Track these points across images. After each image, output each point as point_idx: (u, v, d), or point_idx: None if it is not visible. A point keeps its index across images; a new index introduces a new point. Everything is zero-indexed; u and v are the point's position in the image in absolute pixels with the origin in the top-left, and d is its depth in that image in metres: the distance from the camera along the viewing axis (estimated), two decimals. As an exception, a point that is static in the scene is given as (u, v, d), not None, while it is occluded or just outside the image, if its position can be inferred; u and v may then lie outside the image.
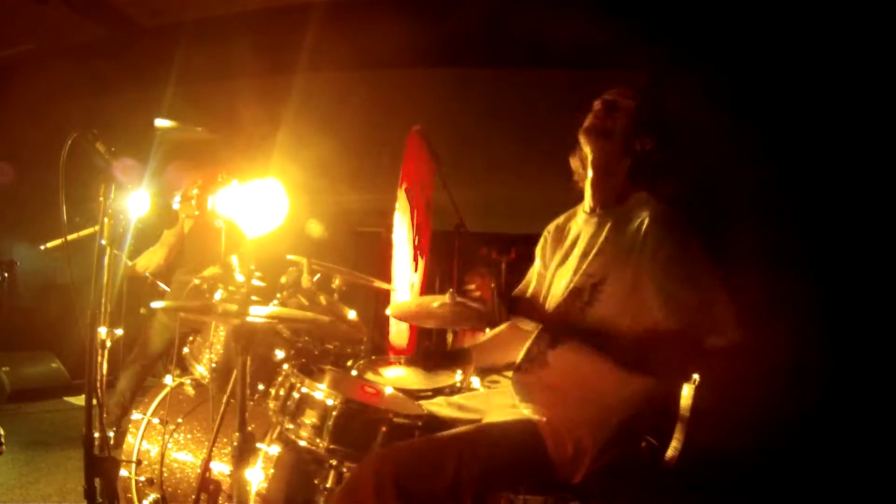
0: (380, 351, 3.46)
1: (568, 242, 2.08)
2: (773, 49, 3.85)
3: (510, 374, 2.05)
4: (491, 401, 2.02)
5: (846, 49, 3.64)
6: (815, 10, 3.70)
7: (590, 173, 2.00)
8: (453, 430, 1.77)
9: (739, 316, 1.70)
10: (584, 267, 1.92)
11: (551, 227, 2.20)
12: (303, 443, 1.93)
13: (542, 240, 2.22)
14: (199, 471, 2.17)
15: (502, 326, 2.23)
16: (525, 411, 1.81)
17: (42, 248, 3.79)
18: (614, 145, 1.94)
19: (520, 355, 1.98)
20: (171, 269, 3.86)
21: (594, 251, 1.91)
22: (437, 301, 2.46)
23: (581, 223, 2.07)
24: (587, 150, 2.00)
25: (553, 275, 2.07)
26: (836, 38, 3.65)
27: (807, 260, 3.57)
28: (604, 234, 1.93)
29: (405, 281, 3.86)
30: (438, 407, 2.06)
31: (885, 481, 3.14)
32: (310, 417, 1.94)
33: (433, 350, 2.06)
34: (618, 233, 1.89)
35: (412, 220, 3.86)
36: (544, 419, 1.76)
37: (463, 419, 1.95)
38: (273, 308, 2.06)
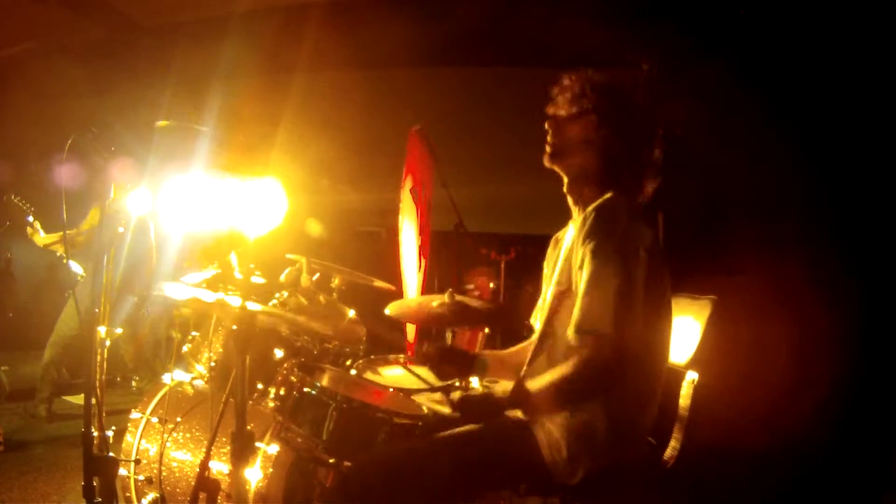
0: (379, 351, 3.46)
1: (559, 250, 2.00)
2: (775, 48, 3.85)
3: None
4: None
5: (848, 48, 3.63)
6: (816, 9, 3.70)
7: (565, 179, 1.94)
8: (444, 434, 1.75)
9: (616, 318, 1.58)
10: (556, 275, 1.86)
11: (555, 236, 2.11)
12: (302, 442, 1.93)
13: (548, 249, 2.14)
14: (197, 470, 2.17)
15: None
16: (520, 414, 1.79)
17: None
18: (580, 152, 1.86)
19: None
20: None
21: (565, 258, 1.85)
22: (437, 301, 2.46)
23: (569, 230, 2.01)
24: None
25: (548, 284, 2.01)
26: (837, 38, 3.64)
27: (815, 257, 3.54)
28: (574, 239, 1.84)
29: (413, 281, 3.87)
30: (432, 401, 2.06)
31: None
32: (309, 417, 1.94)
33: (448, 351, 1.97)
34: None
35: (418, 220, 3.86)
36: (536, 422, 1.73)
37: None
38: (277, 309, 2.06)
